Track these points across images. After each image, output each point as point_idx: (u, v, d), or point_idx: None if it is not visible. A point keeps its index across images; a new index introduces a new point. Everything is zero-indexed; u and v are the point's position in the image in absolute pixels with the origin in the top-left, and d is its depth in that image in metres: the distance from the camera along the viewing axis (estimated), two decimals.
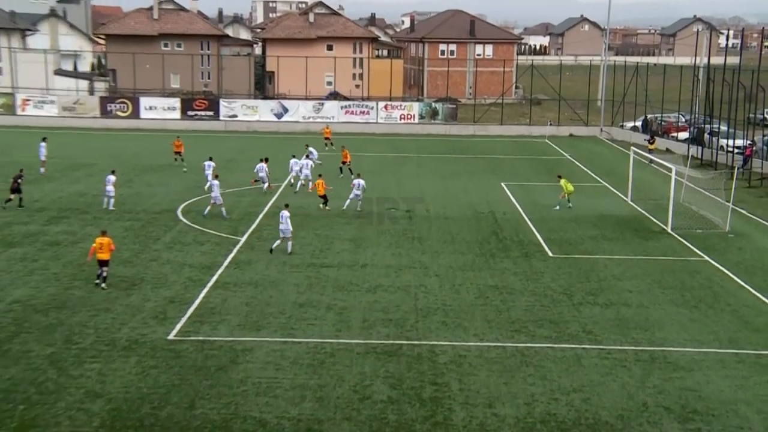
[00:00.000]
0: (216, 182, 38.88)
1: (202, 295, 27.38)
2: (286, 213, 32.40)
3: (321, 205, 40.64)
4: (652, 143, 59.93)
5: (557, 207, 41.89)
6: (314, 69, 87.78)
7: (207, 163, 46.45)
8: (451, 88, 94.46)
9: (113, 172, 41.38)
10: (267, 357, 22.17)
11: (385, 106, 77.69)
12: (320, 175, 42.57)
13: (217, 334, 23.84)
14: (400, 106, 78.69)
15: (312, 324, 24.80)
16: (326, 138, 62.76)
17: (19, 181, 40.48)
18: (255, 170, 45.69)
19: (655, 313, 26.44)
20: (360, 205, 40.57)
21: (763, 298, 28.33)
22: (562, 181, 42.37)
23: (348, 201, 40.49)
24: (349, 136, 70.09)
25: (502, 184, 49.55)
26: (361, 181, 40.45)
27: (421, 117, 77.87)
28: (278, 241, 32.67)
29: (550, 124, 77.06)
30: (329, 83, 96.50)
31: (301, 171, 45.97)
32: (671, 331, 24.89)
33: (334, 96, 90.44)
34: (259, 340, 23.41)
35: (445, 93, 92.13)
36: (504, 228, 38.00)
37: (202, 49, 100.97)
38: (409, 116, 77.37)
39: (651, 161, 53.81)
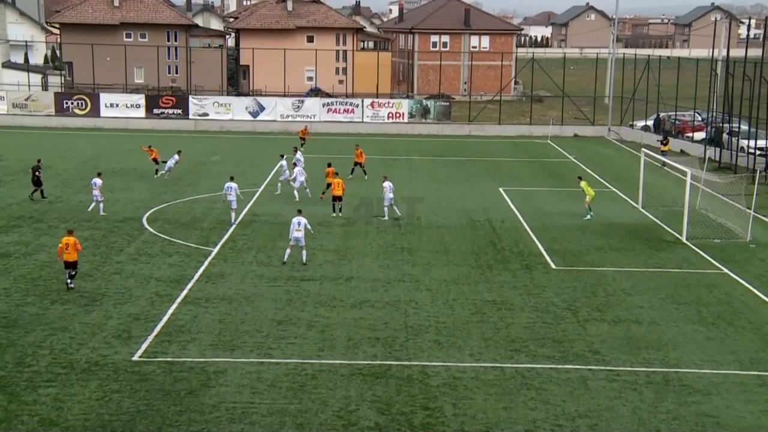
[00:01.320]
0: (234, 185, 39.52)
1: (170, 311, 27.43)
2: (303, 219, 32.77)
3: (335, 212, 40.98)
4: (665, 144, 60.31)
5: (588, 216, 41.49)
6: (293, 63, 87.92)
7: (174, 156, 50.49)
8: (443, 84, 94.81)
9: (99, 175, 41.91)
10: (242, 379, 22.23)
11: (372, 104, 77.91)
12: (337, 174, 42.83)
13: (186, 354, 23.89)
14: (388, 103, 78.93)
15: (292, 343, 24.89)
16: (301, 138, 62.89)
17: (38, 173, 43.53)
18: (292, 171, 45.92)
19: (669, 331, 26.65)
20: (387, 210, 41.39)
21: None
22: (583, 184, 42.30)
23: (386, 209, 40.99)
24: (333, 137, 70.36)
25: (500, 189, 49.81)
26: (390, 183, 41.37)
27: (411, 116, 78.11)
28: (289, 250, 33.01)
29: (553, 124, 77.43)
30: (310, 78, 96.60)
31: (291, 176, 45.93)
32: (686, 350, 25.11)
33: (316, 92, 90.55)
34: (233, 361, 23.47)
35: (437, 89, 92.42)
36: (502, 237, 38.22)
37: (168, 41, 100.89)
38: (397, 115, 77.61)
39: (664, 164, 54.15)
